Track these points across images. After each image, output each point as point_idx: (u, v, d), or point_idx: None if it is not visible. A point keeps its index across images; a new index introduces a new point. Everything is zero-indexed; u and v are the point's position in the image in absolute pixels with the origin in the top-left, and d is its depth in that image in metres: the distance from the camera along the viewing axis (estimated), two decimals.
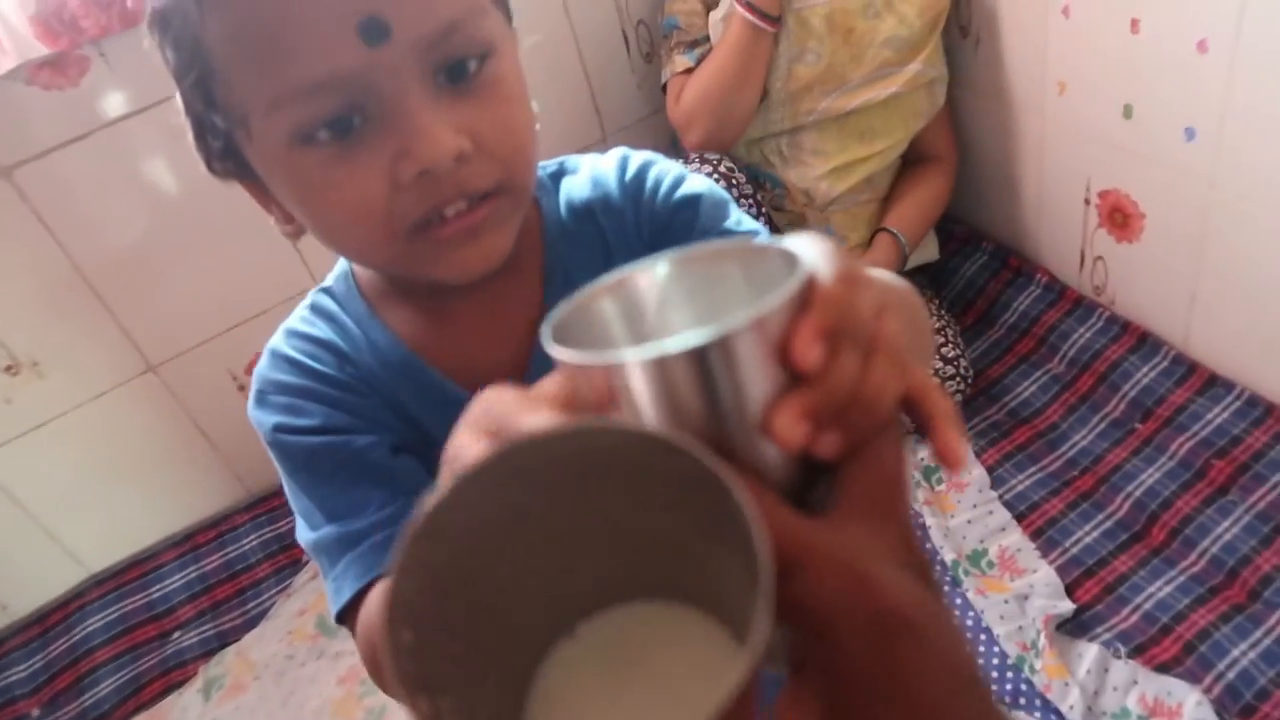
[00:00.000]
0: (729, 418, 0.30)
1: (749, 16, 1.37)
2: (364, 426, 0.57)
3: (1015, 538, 1.36)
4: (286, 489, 0.60)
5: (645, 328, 0.35)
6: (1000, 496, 1.42)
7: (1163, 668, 1.18)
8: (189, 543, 1.67)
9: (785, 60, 1.43)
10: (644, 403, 0.30)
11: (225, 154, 0.52)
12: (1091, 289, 1.58)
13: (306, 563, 1.62)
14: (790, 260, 0.32)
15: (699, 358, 0.29)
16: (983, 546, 1.37)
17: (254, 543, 1.67)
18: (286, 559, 1.64)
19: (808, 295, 0.30)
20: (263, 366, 0.60)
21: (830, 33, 1.42)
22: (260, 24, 0.45)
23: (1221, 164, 1.24)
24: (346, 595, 0.54)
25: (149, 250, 1.48)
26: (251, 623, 1.56)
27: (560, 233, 0.60)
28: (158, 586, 1.62)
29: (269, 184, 0.52)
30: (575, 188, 0.62)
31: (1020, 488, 1.43)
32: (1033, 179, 1.57)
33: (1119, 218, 1.45)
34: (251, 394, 0.60)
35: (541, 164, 0.63)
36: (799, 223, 1.55)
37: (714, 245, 0.35)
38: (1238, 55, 1.15)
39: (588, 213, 0.61)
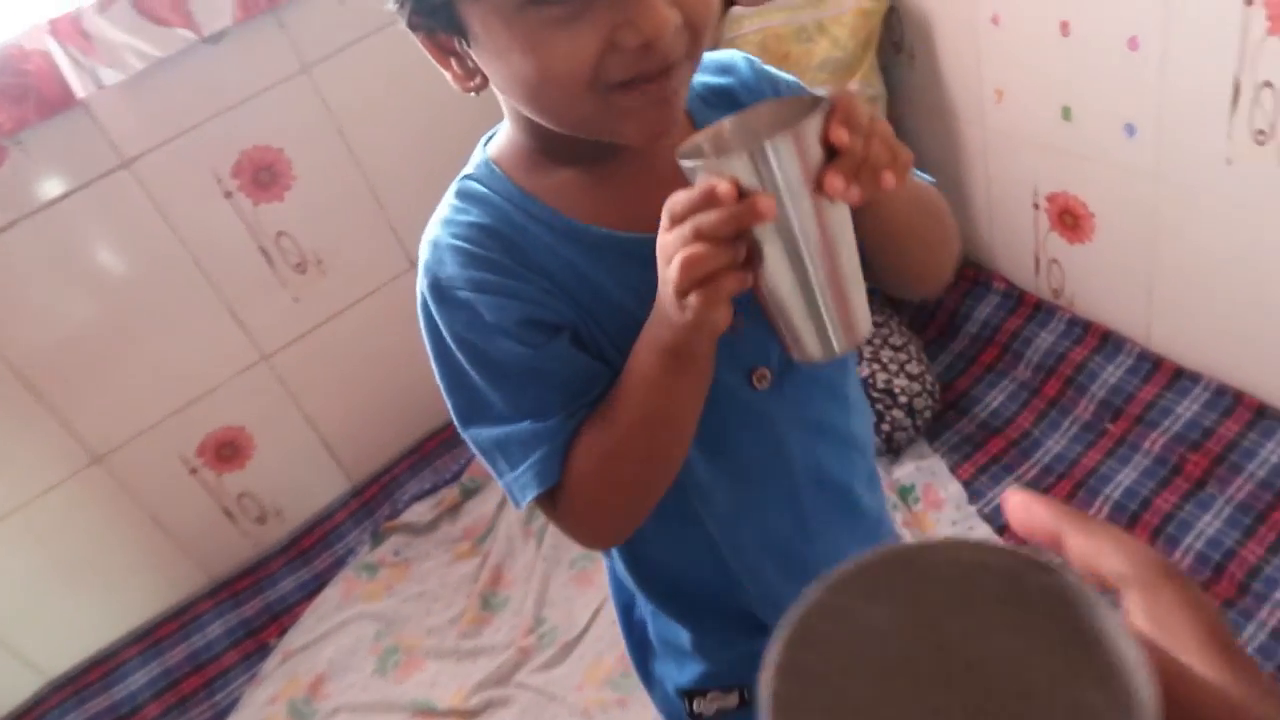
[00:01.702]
0: (794, 188, 0.47)
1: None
2: (547, 315, 0.60)
3: None
4: (451, 379, 0.62)
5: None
6: (979, 510, 1.40)
7: None
8: (150, 637, 1.60)
9: None
10: (751, 183, 0.47)
11: (435, 8, 0.54)
12: (1050, 292, 1.57)
13: (274, 647, 1.56)
14: (819, 99, 0.50)
15: (779, 146, 0.46)
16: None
17: (219, 630, 1.60)
18: (254, 645, 1.58)
19: (833, 111, 0.48)
20: (431, 262, 0.61)
21: (765, 59, 1.41)
22: None
23: (1164, 157, 1.24)
24: (532, 493, 0.61)
25: (85, 337, 1.43)
26: (221, 715, 1.49)
27: (700, 104, 0.65)
28: (120, 686, 1.55)
29: (479, 38, 0.55)
30: (707, 73, 0.67)
31: (998, 500, 1.40)
32: (981, 188, 1.57)
33: (1069, 219, 1.45)
34: (425, 291, 0.61)
35: None
36: None
37: (772, 99, 0.60)
38: (1168, 49, 1.15)
39: (725, 91, 0.67)
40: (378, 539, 1.68)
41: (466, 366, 0.60)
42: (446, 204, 0.64)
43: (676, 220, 0.50)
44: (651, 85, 0.54)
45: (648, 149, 0.58)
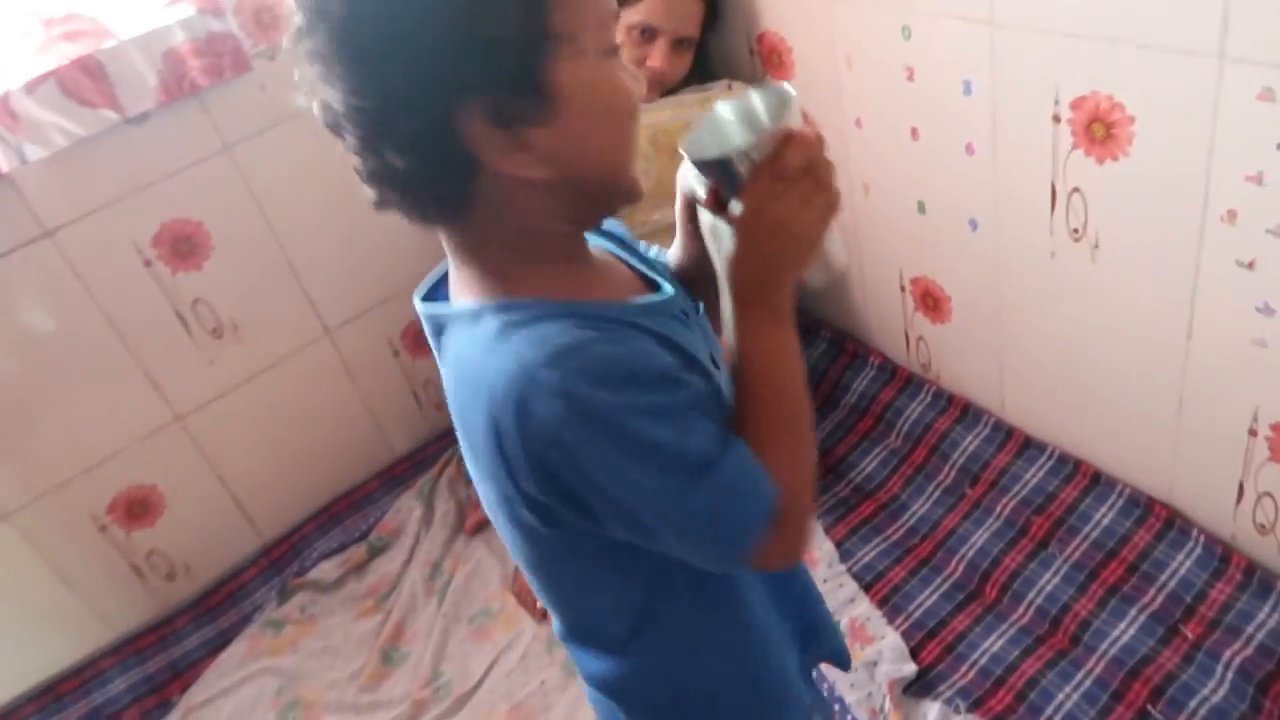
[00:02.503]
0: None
1: None
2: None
3: (864, 607, 1.44)
4: (646, 469, 0.58)
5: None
6: (849, 569, 1.50)
7: (998, 718, 1.25)
8: (51, 693, 1.62)
9: None
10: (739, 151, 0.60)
11: (517, 79, 0.57)
12: (919, 366, 1.71)
13: (176, 704, 1.59)
14: (782, 90, 0.63)
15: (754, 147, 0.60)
16: (835, 619, 1.44)
17: (121, 687, 1.63)
18: (155, 701, 1.61)
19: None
20: (558, 397, 0.56)
21: (657, 152, 1.54)
22: None
23: (1001, 249, 1.39)
24: (763, 519, 0.61)
25: None
26: None
27: None
28: None
29: (570, 99, 0.58)
30: None
31: (867, 558, 1.51)
32: (856, 270, 1.71)
33: (930, 301, 1.59)
34: (565, 420, 0.56)
35: None
36: None
37: (749, 90, 0.66)
38: (998, 156, 1.31)
39: None
40: (284, 596, 1.72)
41: (651, 439, 0.58)
42: (528, 352, 0.57)
43: (793, 176, 0.59)
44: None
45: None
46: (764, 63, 1.62)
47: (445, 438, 1.93)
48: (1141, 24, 1.05)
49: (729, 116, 0.66)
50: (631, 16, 1.51)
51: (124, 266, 1.51)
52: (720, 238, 0.65)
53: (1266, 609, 1.25)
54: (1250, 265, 1.09)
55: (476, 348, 0.61)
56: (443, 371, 0.67)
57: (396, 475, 1.89)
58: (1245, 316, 1.13)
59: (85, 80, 1.35)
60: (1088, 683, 1.26)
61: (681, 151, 0.63)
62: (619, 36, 1.52)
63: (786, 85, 0.64)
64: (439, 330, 0.67)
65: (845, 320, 1.82)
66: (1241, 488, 1.28)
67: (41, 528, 1.57)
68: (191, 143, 1.51)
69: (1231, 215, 1.08)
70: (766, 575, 0.76)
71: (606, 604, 0.72)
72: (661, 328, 0.64)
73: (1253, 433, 1.22)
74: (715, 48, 1.67)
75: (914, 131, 1.41)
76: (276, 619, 1.69)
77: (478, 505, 1.74)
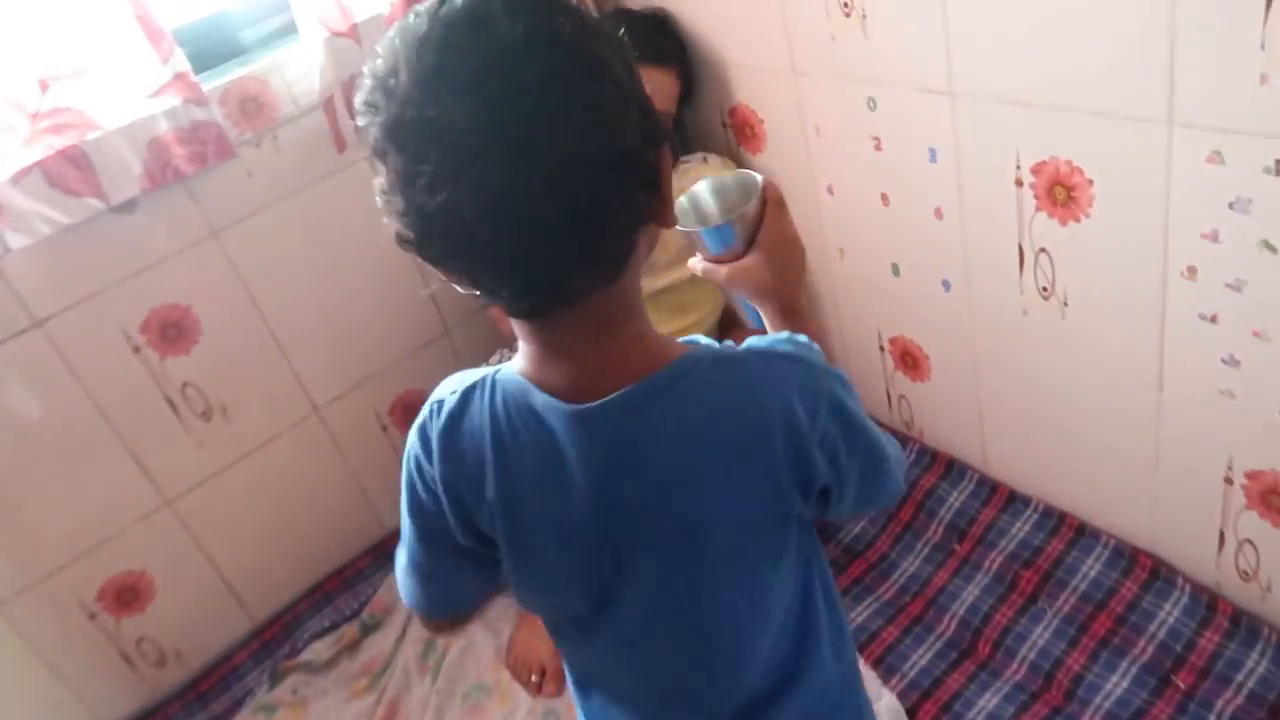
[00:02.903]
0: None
1: None
2: None
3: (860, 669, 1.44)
4: (871, 429, 0.73)
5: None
6: None
7: None
8: None
9: None
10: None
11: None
12: (902, 424, 1.73)
13: None
14: (751, 178, 0.81)
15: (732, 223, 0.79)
16: None
17: None
18: None
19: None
20: (826, 373, 0.71)
21: None
22: None
23: (975, 307, 1.43)
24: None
25: None
26: None
27: None
28: None
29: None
30: None
31: (860, 619, 1.52)
32: (834, 333, 1.74)
33: (909, 360, 1.62)
34: (837, 383, 0.70)
35: None
36: None
37: (721, 175, 0.85)
38: (965, 219, 1.35)
39: None
40: (276, 679, 1.71)
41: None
42: (783, 362, 0.69)
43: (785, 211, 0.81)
44: None
45: None
46: (737, 135, 1.67)
47: None
48: (1092, 93, 1.10)
49: (707, 195, 0.84)
50: None
51: (113, 353, 1.53)
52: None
53: (1255, 655, 1.26)
54: (1213, 319, 1.13)
55: (730, 383, 0.67)
56: (647, 436, 0.66)
57: (388, 550, 1.89)
58: (1212, 368, 1.16)
59: (70, 170, 1.37)
60: None
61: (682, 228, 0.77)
62: None
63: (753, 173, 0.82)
64: (632, 409, 0.65)
65: None
66: (1222, 535, 1.30)
67: (31, 618, 1.56)
68: (180, 230, 1.54)
69: (1191, 271, 1.12)
70: None
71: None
72: None
73: (1228, 480, 1.24)
74: (690, 122, 1.72)
75: (884, 197, 1.45)
76: (269, 703, 1.68)
77: None
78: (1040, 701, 1.33)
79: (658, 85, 1.57)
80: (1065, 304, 1.29)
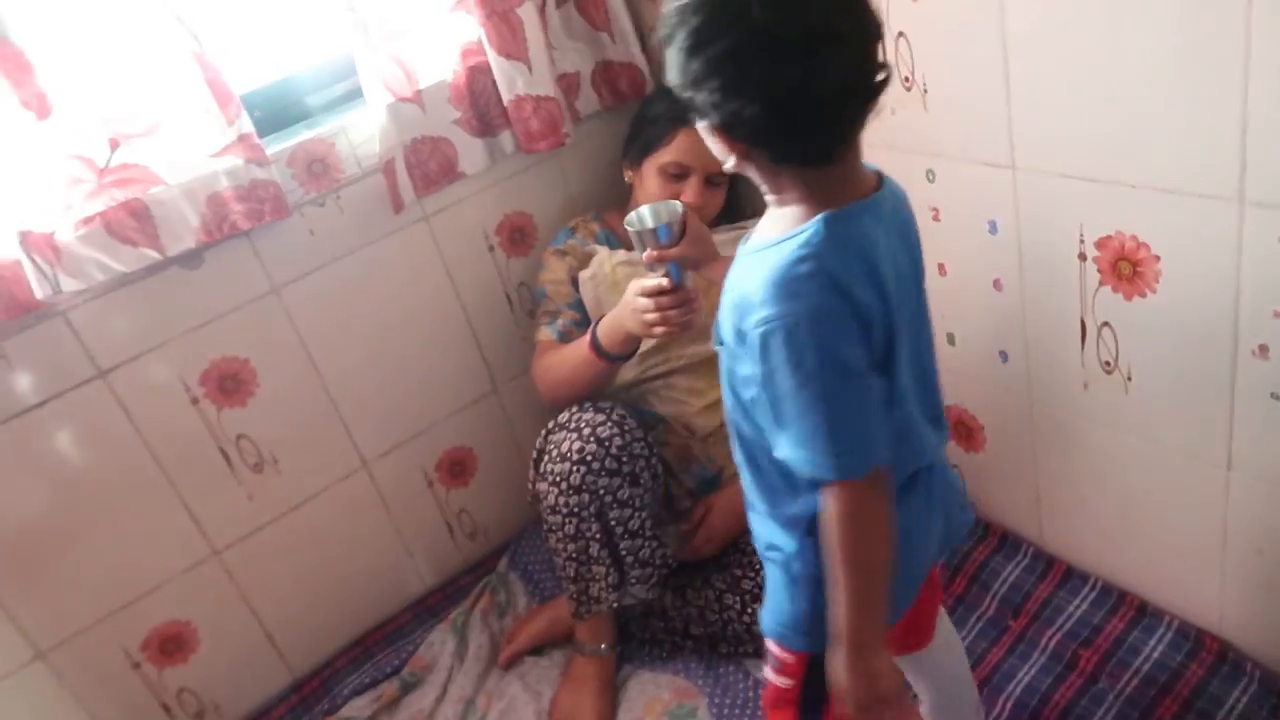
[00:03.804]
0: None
1: (593, 356, 1.52)
2: None
3: None
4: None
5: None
6: None
7: None
8: None
9: None
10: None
11: None
12: None
13: None
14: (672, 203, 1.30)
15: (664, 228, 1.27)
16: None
17: None
18: None
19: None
20: None
21: (703, 289, 1.59)
22: None
23: (1034, 381, 1.41)
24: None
25: (38, 531, 1.49)
26: None
27: (770, 244, 0.88)
28: None
29: None
30: (771, 256, 0.85)
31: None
32: None
33: (963, 430, 1.60)
34: None
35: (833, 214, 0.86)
36: (684, 454, 1.65)
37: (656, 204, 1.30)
38: (1025, 292, 1.34)
39: (751, 269, 0.87)
40: None
41: None
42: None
43: None
44: None
45: None
46: None
47: (478, 569, 1.93)
48: (1160, 170, 1.10)
49: (647, 214, 1.28)
50: (663, 156, 1.58)
51: (172, 403, 1.55)
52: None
53: None
54: None
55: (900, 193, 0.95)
56: (903, 223, 0.93)
57: (429, 607, 1.88)
58: None
59: (129, 220, 1.40)
60: None
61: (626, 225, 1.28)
62: (652, 177, 1.59)
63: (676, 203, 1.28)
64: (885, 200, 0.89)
65: None
66: None
67: (75, 666, 1.56)
68: (243, 285, 1.57)
69: (1263, 350, 1.10)
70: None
71: None
72: None
73: None
74: (745, 187, 1.74)
75: (941, 268, 1.45)
76: None
77: (511, 638, 1.73)
78: None
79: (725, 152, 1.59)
80: (1129, 379, 1.27)
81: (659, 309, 1.37)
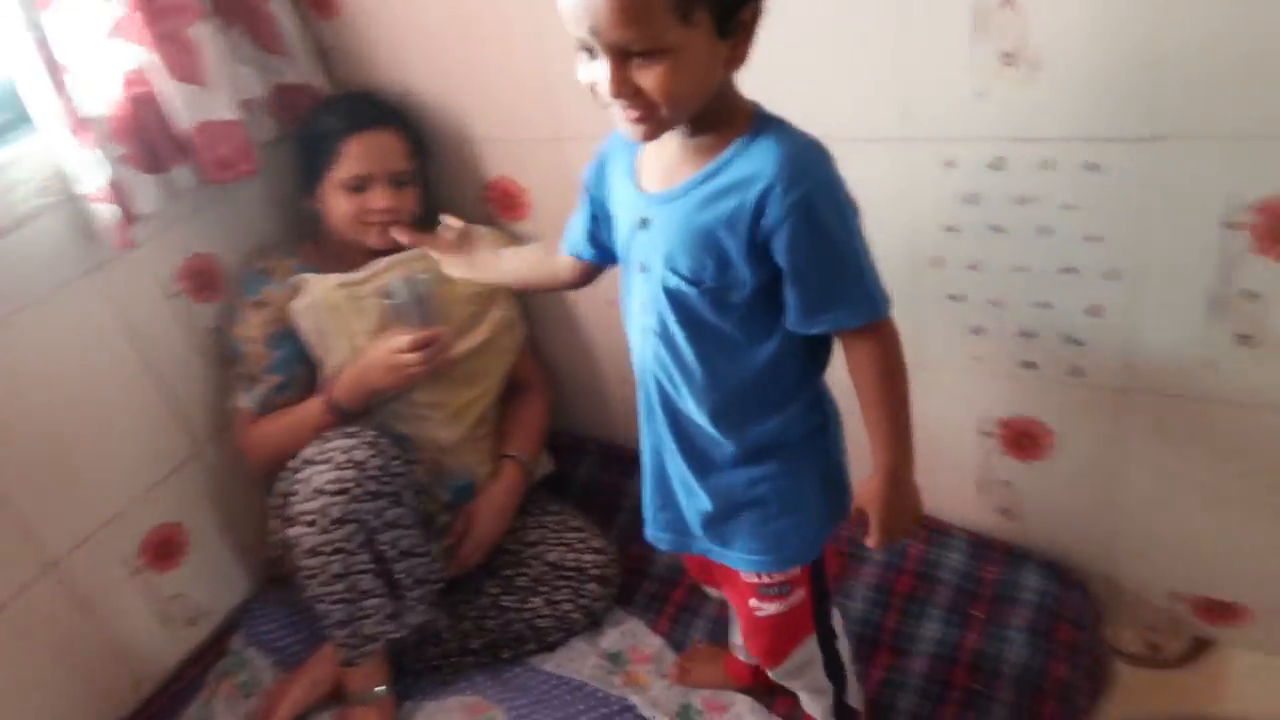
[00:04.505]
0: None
1: (322, 408, 1.49)
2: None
3: None
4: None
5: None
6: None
7: None
8: None
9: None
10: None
11: None
12: None
13: None
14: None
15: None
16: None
17: None
18: None
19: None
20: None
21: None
22: None
23: None
24: None
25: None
26: None
27: (736, 152, 0.94)
28: None
29: None
30: (753, 158, 0.92)
31: (694, 643, 1.57)
32: (614, 383, 1.82)
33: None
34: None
35: (769, 117, 0.96)
36: (435, 469, 1.60)
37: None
38: None
39: (747, 175, 0.92)
40: None
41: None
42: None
43: None
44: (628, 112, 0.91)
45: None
46: (497, 206, 1.72)
47: (206, 656, 1.69)
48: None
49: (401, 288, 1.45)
50: (340, 172, 1.54)
51: None
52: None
53: None
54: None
55: None
56: None
57: (154, 715, 1.62)
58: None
59: None
60: None
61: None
62: (335, 197, 1.54)
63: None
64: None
65: (609, 428, 1.91)
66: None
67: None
68: None
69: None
70: None
71: None
72: None
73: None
74: (445, 191, 1.74)
75: None
76: None
77: (267, 716, 1.54)
78: None
79: (384, 145, 1.57)
80: None
81: (425, 360, 1.45)
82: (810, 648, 1.19)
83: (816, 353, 1.04)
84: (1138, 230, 1.21)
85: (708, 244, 0.94)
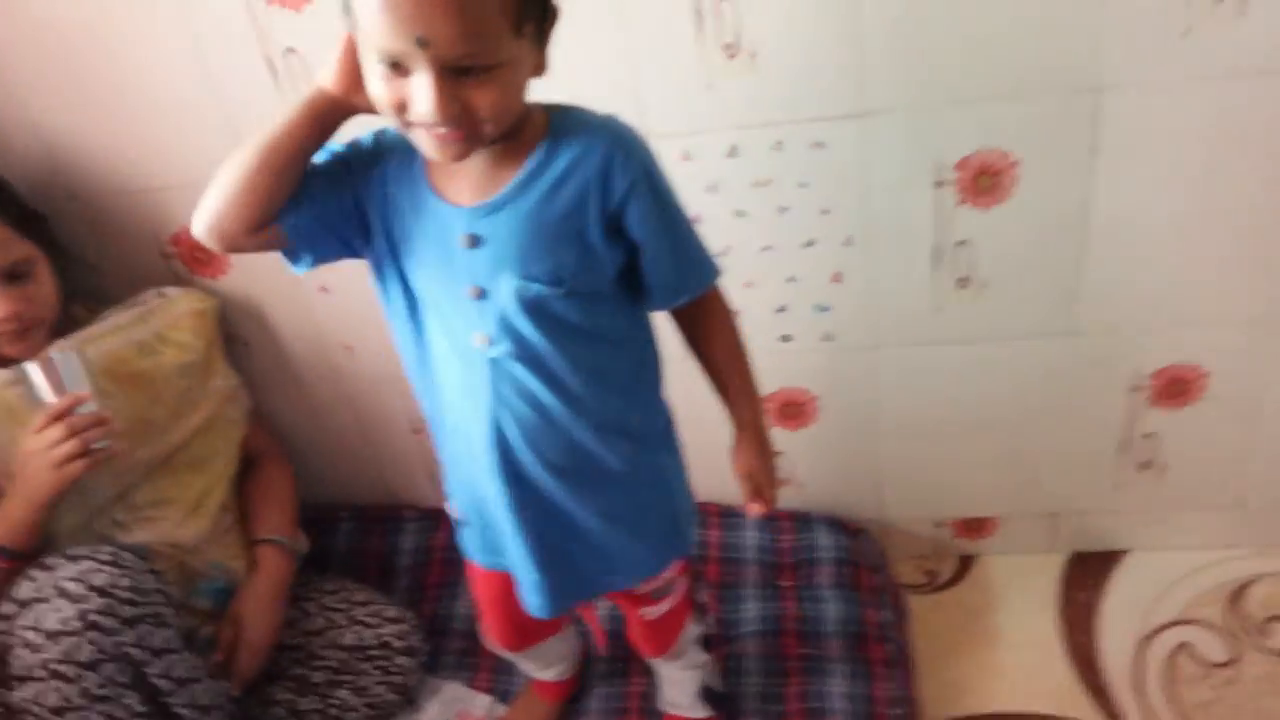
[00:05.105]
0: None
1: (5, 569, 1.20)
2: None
3: None
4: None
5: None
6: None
7: None
8: None
9: None
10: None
11: None
12: None
13: None
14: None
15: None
16: None
17: None
18: None
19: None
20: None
21: (118, 385, 1.33)
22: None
23: None
24: None
25: None
26: None
27: (551, 142, 0.90)
28: None
29: None
30: (574, 142, 0.89)
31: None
32: (354, 437, 1.69)
33: None
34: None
35: (562, 106, 0.93)
36: (184, 575, 1.37)
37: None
38: None
39: (577, 156, 0.89)
40: None
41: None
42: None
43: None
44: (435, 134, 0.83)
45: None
46: (187, 262, 1.52)
47: None
48: None
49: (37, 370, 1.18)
50: None
51: None
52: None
53: None
54: None
55: None
56: None
57: None
58: None
59: None
60: None
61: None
62: None
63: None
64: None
65: (369, 489, 1.77)
66: None
67: None
68: None
69: None
70: None
71: None
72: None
73: None
74: (116, 254, 1.51)
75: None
76: None
77: None
78: None
79: (2, 239, 1.24)
80: None
81: (73, 429, 1.17)
82: (690, 627, 1.28)
83: (651, 335, 1.05)
84: (863, 199, 1.31)
85: (562, 235, 0.89)
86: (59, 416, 1.18)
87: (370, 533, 1.74)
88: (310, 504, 1.73)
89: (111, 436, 1.21)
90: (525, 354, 0.93)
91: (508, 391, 0.95)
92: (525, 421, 0.96)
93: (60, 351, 1.22)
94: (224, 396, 1.50)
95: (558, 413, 0.96)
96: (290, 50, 1.29)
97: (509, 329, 0.92)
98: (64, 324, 1.33)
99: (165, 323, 1.43)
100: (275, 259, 0.98)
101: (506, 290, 0.90)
